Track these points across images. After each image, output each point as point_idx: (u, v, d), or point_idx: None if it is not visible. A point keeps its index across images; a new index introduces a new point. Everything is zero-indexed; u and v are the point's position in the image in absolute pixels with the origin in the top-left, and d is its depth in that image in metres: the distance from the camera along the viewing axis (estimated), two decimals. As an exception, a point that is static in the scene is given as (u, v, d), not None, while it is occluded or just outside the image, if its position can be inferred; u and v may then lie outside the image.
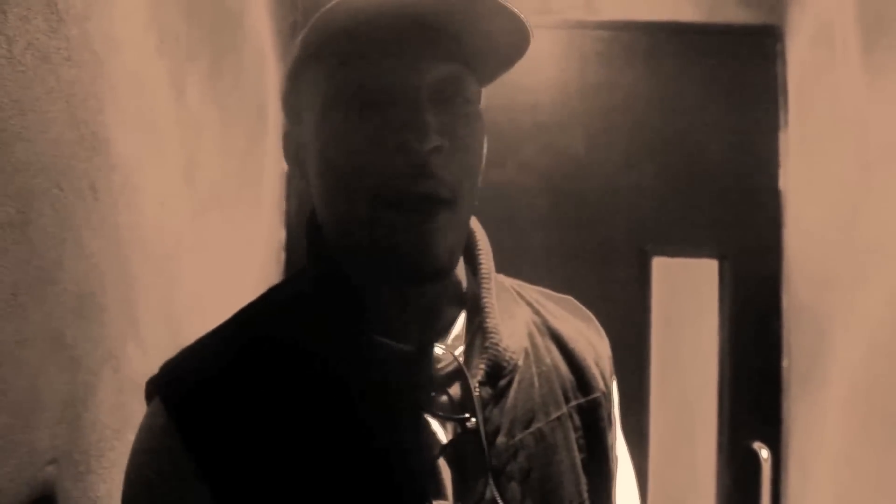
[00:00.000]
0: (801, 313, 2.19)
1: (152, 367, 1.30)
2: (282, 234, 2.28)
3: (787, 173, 2.30)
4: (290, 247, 2.29)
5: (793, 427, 2.21)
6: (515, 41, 0.69)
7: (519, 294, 0.85)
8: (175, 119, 1.36)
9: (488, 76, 0.74)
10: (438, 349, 0.73)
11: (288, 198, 2.29)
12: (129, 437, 1.18)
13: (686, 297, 2.38)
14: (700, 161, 2.34)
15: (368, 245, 0.68)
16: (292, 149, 0.77)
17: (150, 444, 0.71)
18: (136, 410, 1.21)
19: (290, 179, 2.28)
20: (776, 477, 2.18)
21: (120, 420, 1.16)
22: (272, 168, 2.18)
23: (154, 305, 1.29)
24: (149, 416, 0.72)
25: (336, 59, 0.67)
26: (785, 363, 2.27)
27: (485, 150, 0.73)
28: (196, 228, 1.50)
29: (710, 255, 2.34)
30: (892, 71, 1.64)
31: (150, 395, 0.74)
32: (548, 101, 2.33)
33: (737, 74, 2.36)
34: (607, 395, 0.84)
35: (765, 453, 2.14)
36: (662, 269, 2.33)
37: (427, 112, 0.65)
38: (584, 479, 0.77)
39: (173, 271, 1.39)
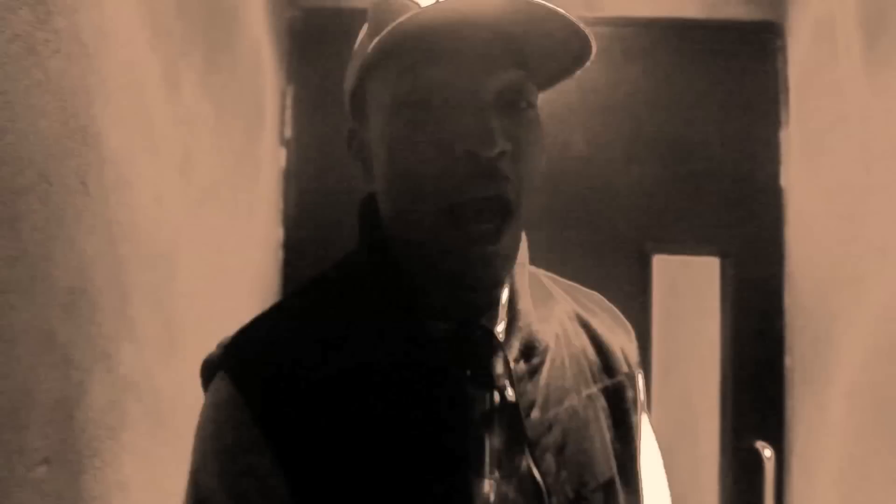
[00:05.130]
0: (803, 311, 2.18)
1: (148, 365, 1.30)
2: (279, 233, 2.27)
3: (788, 171, 2.29)
4: (289, 245, 2.28)
5: (796, 426, 2.20)
6: (577, 51, 0.71)
7: (551, 284, 0.90)
8: (169, 114, 1.35)
9: (547, 82, 0.77)
10: (479, 328, 0.76)
11: (286, 196, 2.28)
12: (125, 437, 1.18)
13: (687, 296, 2.36)
14: (701, 158, 2.32)
15: (433, 259, 0.72)
16: (355, 146, 0.79)
17: (217, 417, 0.72)
18: (131, 409, 1.20)
19: (289, 179, 2.27)
20: (779, 476, 2.17)
21: (114, 419, 1.14)
22: (269, 166, 2.16)
23: (149, 303, 1.27)
24: (213, 393, 0.73)
25: (405, 64, 0.69)
26: (787, 362, 2.25)
27: (544, 153, 0.75)
28: (192, 225, 1.48)
29: (711, 254, 2.32)
30: (894, 67, 1.63)
31: (209, 374, 0.75)
32: (547, 97, 2.29)
33: (738, 71, 2.34)
34: (631, 377, 0.88)
35: (768, 452, 2.12)
36: (663, 267, 2.31)
37: (492, 118, 0.67)
38: (613, 456, 0.81)
39: (169, 268, 1.37)
